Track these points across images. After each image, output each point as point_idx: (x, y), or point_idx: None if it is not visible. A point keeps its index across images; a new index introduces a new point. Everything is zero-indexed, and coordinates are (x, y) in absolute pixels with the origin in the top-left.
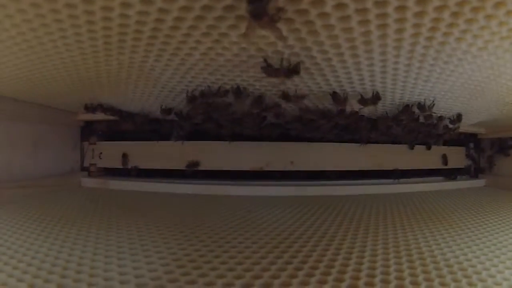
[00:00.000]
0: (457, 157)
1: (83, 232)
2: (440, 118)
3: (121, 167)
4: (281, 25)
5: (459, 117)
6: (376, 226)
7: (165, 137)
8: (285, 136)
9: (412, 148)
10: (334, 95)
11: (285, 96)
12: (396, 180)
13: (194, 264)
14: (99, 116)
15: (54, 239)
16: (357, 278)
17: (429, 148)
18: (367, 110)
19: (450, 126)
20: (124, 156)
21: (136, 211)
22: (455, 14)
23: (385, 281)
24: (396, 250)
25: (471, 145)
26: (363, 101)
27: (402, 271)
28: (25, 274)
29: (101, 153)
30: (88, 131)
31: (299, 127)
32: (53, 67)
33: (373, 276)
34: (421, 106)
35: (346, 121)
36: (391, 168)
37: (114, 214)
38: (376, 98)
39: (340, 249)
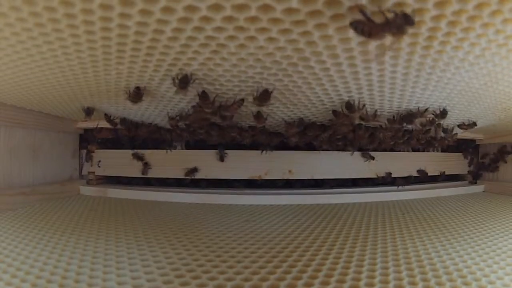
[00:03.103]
0: (457, 163)
1: (82, 241)
2: (438, 125)
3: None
4: None
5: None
6: (375, 234)
7: (163, 146)
8: (284, 144)
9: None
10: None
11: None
12: (397, 187)
13: (193, 274)
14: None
15: (52, 247)
16: None
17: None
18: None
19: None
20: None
21: (135, 220)
22: (452, 23)
23: None
24: (395, 258)
25: (470, 150)
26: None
27: (401, 279)
28: (23, 283)
29: (99, 161)
30: (87, 138)
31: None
32: (52, 75)
33: (372, 285)
34: (363, 117)
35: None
36: (391, 176)
37: (113, 222)
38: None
39: (339, 258)
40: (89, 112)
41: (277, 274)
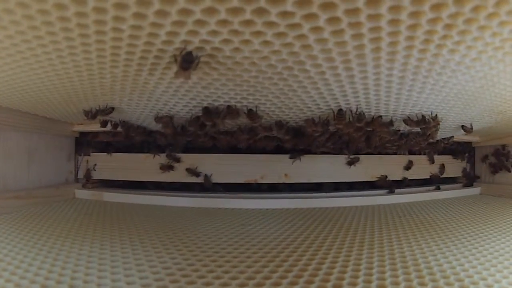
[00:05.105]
0: (454, 166)
1: (76, 244)
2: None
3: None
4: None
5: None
6: (371, 238)
7: (158, 149)
8: (280, 148)
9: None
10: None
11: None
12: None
13: (188, 279)
14: (95, 127)
15: (47, 251)
16: None
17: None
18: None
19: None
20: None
21: (130, 224)
22: (448, 26)
23: None
24: (392, 262)
25: (467, 153)
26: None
27: (398, 283)
28: None
29: (95, 164)
30: (83, 142)
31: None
32: (47, 78)
33: None
34: None
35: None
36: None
37: (108, 226)
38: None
39: (336, 262)
40: (94, 116)
41: (273, 279)
